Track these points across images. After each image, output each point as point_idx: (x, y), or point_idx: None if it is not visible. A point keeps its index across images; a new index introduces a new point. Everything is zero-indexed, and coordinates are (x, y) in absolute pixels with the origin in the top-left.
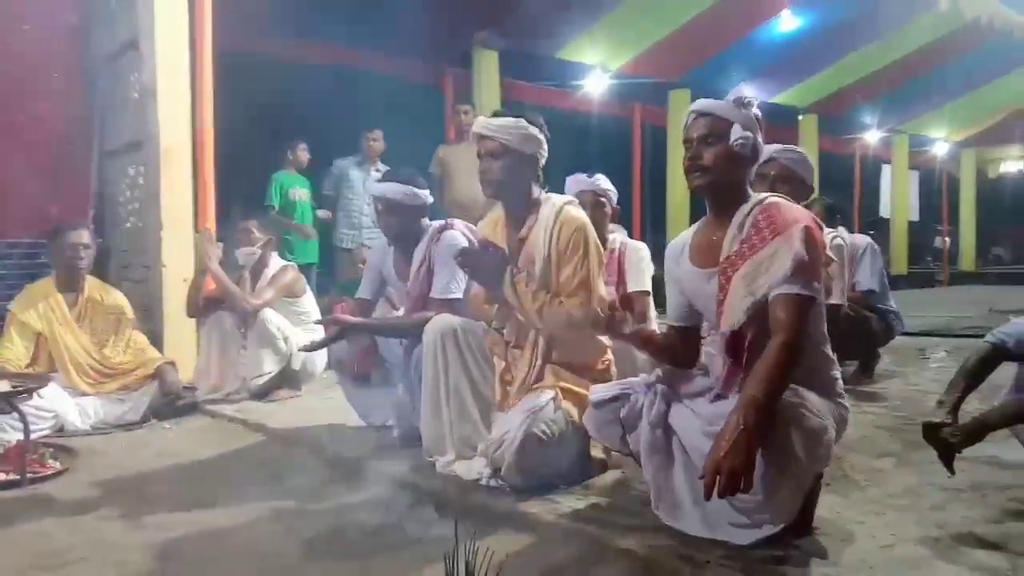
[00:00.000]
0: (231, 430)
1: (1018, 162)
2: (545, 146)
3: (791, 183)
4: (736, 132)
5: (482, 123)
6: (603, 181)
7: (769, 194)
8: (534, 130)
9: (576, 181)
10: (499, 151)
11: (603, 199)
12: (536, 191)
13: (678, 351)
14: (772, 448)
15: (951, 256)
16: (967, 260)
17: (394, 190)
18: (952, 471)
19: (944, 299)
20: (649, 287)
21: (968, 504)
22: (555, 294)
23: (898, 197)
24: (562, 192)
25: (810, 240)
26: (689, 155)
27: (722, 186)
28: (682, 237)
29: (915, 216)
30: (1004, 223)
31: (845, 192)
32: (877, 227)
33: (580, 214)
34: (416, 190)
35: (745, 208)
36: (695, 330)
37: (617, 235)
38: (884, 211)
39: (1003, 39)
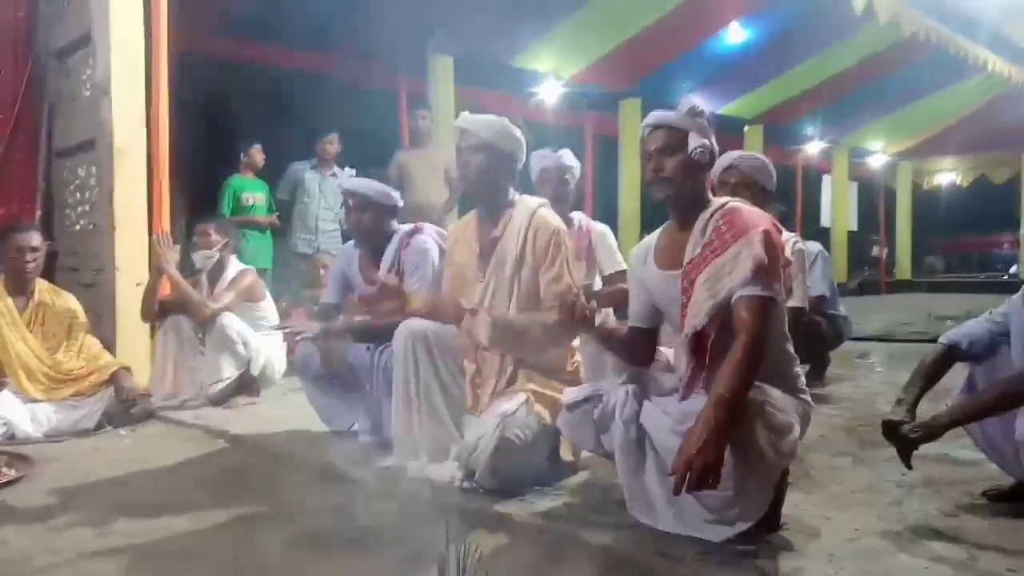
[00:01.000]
0: (192, 437)
1: (951, 174)
2: (524, 149)
3: (751, 189)
4: (693, 141)
5: (465, 117)
6: (567, 157)
7: (730, 199)
8: (516, 131)
9: (542, 156)
10: (479, 146)
11: (567, 176)
12: (511, 192)
13: (638, 350)
14: (740, 445)
15: (887, 265)
16: (903, 269)
17: (367, 186)
18: (910, 466)
19: (882, 306)
20: (626, 266)
21: (924, 499)
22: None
23: (838, 207)
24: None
25: (770, 243)
26: (651, 167)
27: (685, 194)
28: (647, 240)
29: (854, 226)
30: (938, 233)
31: (787, 202)
32: (817, 237)
33: (554, 218)
34: (389, 190)
35: (707, 213)
36: (654, 332)
37: (576, 214)
38: (825, 221)
39: (939, 54)
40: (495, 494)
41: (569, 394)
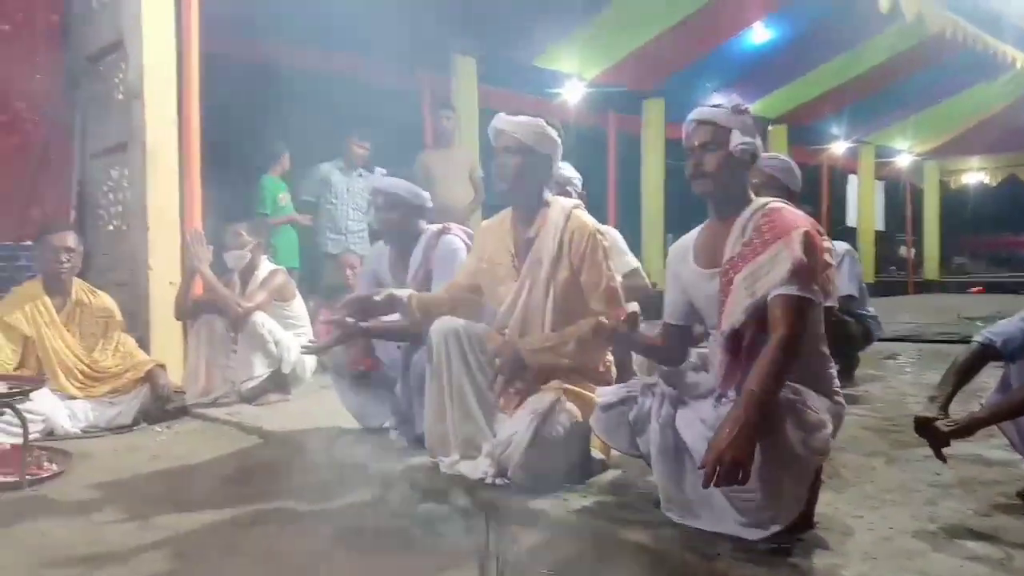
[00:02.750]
0: (225, 433)
1: (979, 173)
2: (560, 151)
3: (775, 190)
4: (736, 138)
5: (503, 119)
6: (565, 169)
7: (771, 200)
8: (552, 132)
9: None
10: (516, 147)
11: (568, 188)
12: (546, 193)
13: (670, 349)
14: (771, 443)
15: (915, 265)
16: (930, 269)
17: (397, 185)
18: (943, 459)
19: (911, 306)
20: (637, 264)
21: (958, 499)
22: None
23: (864, 207)
24: None
25: (809, 244)
26: (692, 162)
27: (725, 190)
28: (686, 238)
29: (880, 226)
30: (966, 233)
31: (813, 202)
32: (844, 237)
33: (589, 219)
34: (418, 190)
35: (747, 212)
36: (689, 329)
37: None
38: (851, 221)
39: (966, 53)
40: (527, 491)
41: (603, 395)
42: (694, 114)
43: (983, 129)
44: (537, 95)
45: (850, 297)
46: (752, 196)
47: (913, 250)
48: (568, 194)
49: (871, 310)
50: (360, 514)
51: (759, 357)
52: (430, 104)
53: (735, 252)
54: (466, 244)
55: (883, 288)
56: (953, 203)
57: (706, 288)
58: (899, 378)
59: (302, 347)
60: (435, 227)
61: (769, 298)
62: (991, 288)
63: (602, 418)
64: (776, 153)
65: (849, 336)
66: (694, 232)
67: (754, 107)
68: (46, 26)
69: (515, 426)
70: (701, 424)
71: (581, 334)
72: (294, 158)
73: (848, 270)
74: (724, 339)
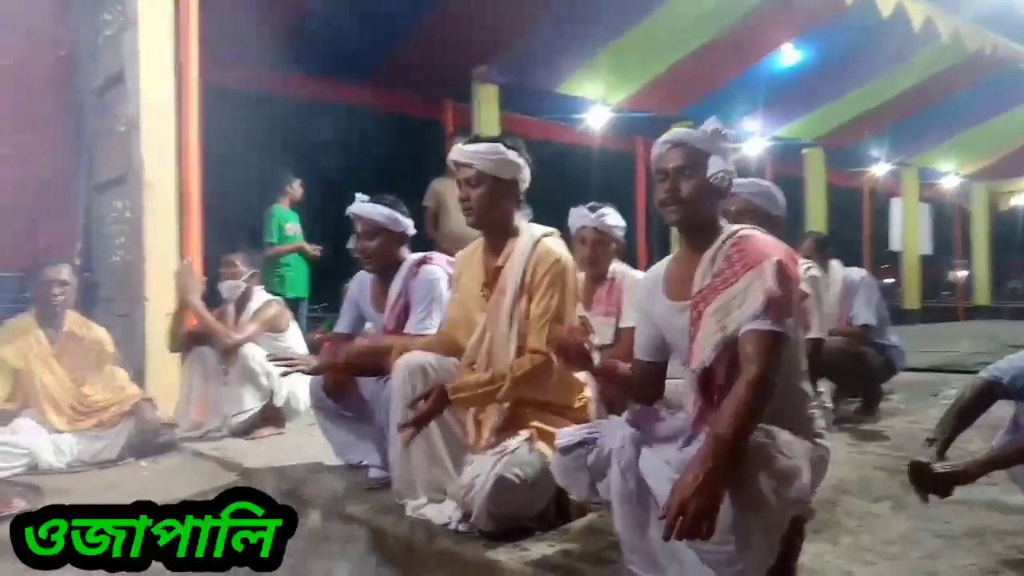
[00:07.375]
0: (207, 469)
1: None
2: (526, 171)
3: (754, 217)
4: (715, 164)
5: (457, 150)
6: (609, 217)
7: (743, 226)
8: (512, 155)
9: (578, 215)
10: (476, 178)
11: (606, 235)
12: (516, 218)
13: (644, 386)
14: (741, 491)
15: (965, 290)
16: (981, 294)
17: (375, 211)
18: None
19: (959, 334)
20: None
21: (964, 552)
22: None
23: (909, 231)
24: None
25: (783, 275)
26: (666, 187)
27: (698, 219)
28: (656, 269)
29: (927, 250)
30: (1018, 256)
31: (854, 225)
32: (888, 260)
33: (558, 248)
34: (399, 216)
35: (718, 241)
36: (663, 365)
37: (616, 266)
38: (895, 245)
39: (1011, 71)
40: (490, 538)
41: (562, 437)
42: (668, 136)
43: None
44: (561, 121)
45: (867, 326)
46: (723, 224)
47: (963, 274)
48: (606, 242)
49: (893, 339)
50: (316, 562)
51: (728, 397)
52: (452, 133)
53: (705, 283)
54: (448, 274)
55: (932, 314)
56: (1004, 225)
57: (677, 322)
58: (927, 412)
59: (270, 357)
60: (415, 257)
61: (740, 333)
62: None
63: (560, 462)
64: (753, 178)
65: (868, 368)
66: (664, 262)
67: (788, 129)
68: (53, 61)
69: (479, 468)
70: (666, 467)
71: (516, 375)
72: (316, 190)
73: (864, 297)
74: (695, 377)
